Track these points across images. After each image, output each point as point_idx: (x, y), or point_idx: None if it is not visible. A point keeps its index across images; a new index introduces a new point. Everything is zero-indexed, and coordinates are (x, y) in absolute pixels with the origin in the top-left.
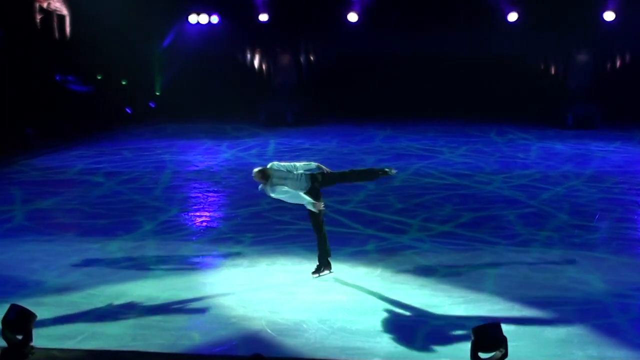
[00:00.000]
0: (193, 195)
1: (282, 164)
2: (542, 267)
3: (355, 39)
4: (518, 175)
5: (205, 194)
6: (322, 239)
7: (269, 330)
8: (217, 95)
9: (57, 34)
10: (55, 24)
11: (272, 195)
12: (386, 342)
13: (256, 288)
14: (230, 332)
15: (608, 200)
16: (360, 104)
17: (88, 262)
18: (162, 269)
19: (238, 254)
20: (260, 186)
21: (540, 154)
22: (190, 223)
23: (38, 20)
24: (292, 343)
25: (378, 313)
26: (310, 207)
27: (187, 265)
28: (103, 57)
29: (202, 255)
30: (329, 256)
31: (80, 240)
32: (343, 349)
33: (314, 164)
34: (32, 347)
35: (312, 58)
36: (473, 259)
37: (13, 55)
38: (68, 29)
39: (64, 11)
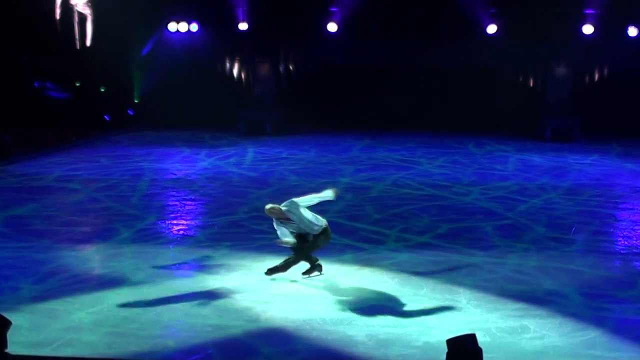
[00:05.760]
0: (170, 203)
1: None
2: (518, 279)
3: (334, 50)
4: (496, 187)
5: (183, 202)
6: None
7: (244, 339)
8: (196, 103)
9: (77, 35)
10: (76, 23)
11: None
12: (361, 352)
13: (232, 297)
14: (206, 340)
15: (585, 213)
16: (339, 114)
17: (64, 269)
18: (138, 277)
19: (215, 263)
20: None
21: (518, 166)
22: (167, 231)
23: (58, 17)
24: (267, 352)
25: (354, 323)
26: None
27: (164, 273)
28: (82, 63)
29: (179, 264)
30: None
31: (57, 247)
32: (318, 359)
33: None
34: (7, 354)
35: (291, 68)
36: (450, 270)
37: None
38: (90, 31)
39: (87, 11)
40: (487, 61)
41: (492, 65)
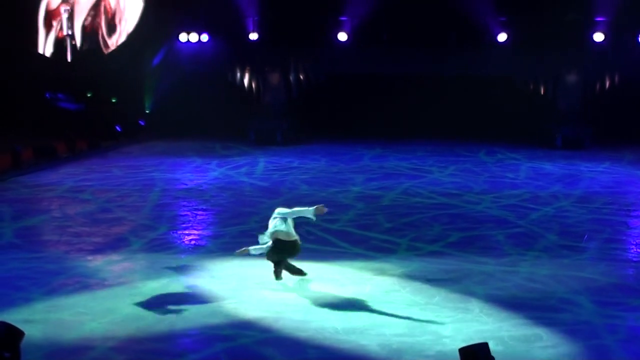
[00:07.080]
0: (182, 213)
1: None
2: (530, 288)
3: (344, 59)
4: (507, 195)
5: (194, 212)
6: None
7: (256, 349)
8: (207, 113)
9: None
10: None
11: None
12: None
13: (244, 307)
14: (217, 351)
15: (597, 220)
16: (350, 123)
17: (76, 280)
18: (150, 287)
19: (226, 272)
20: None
21: (530, 174)
22: (178, 241)
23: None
24: None
25: (366, 332)
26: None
27: (176, 283)
28: (93, 74)
29: (190, 274)
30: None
31: (69, 258)
32: None
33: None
34: None
35: (301, 77)
36: (461, 279)
37: (3, 72)
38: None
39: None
40: (497, 69)
41: (503, 73)
